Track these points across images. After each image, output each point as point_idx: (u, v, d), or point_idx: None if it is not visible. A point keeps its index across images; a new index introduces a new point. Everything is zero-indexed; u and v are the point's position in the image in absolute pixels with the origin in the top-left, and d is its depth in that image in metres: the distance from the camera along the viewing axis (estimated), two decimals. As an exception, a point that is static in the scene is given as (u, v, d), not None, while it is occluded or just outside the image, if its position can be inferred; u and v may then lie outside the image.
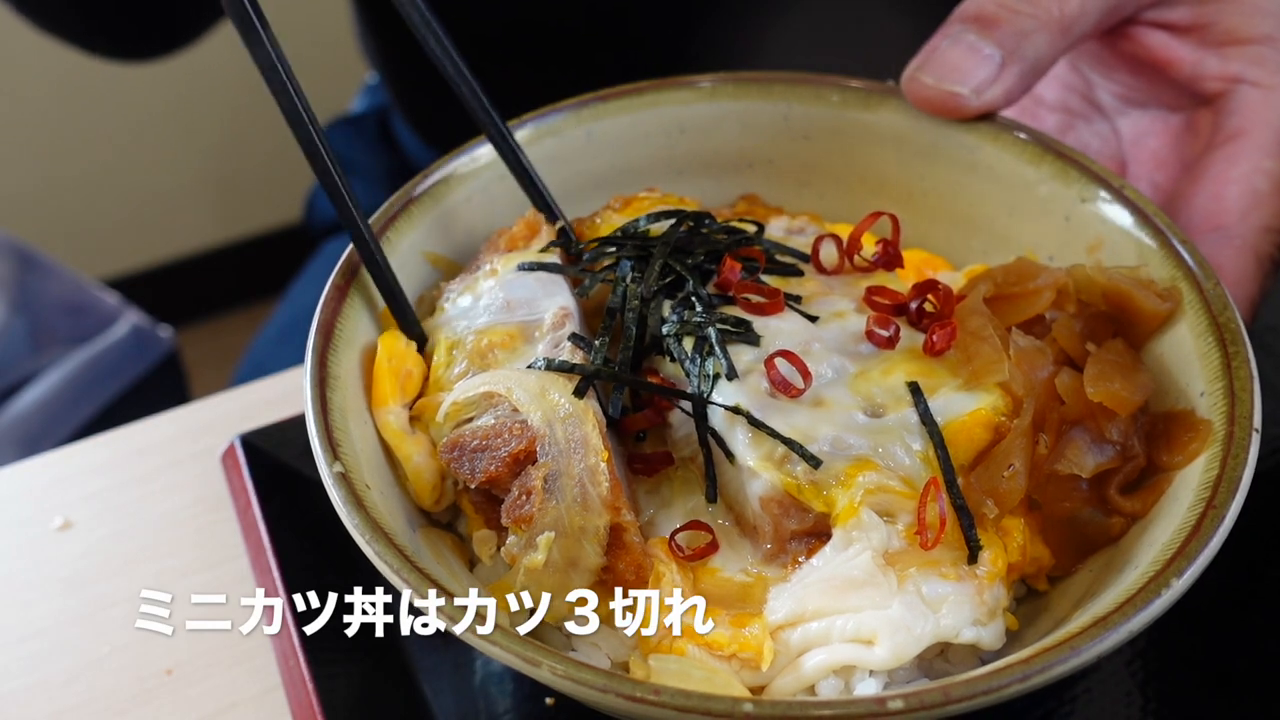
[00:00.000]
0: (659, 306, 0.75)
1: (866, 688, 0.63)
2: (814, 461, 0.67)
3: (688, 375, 0.72)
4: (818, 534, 0.67)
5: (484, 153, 0.85)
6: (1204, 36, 0.86)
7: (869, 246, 0.82)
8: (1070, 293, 0.78)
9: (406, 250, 0.80)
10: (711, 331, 0.72)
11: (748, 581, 0.67)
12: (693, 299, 0.74)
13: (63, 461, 0.96)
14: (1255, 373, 0.69)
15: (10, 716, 0.80)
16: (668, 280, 0.75)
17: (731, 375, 0.70)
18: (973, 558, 0.67)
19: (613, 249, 0.78)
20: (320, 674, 0.75)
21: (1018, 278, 0.78)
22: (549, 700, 0.76)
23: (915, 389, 0.70)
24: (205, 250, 2.79)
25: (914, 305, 0.76)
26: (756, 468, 0.67)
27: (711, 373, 0.71)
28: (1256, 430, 0.67)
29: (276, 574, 0.80)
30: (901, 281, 0.80)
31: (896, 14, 1.20)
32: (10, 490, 0.94)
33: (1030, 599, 0.74)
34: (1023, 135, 0.86)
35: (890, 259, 0.80)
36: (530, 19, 1.27)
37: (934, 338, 0.73)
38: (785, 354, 0.70)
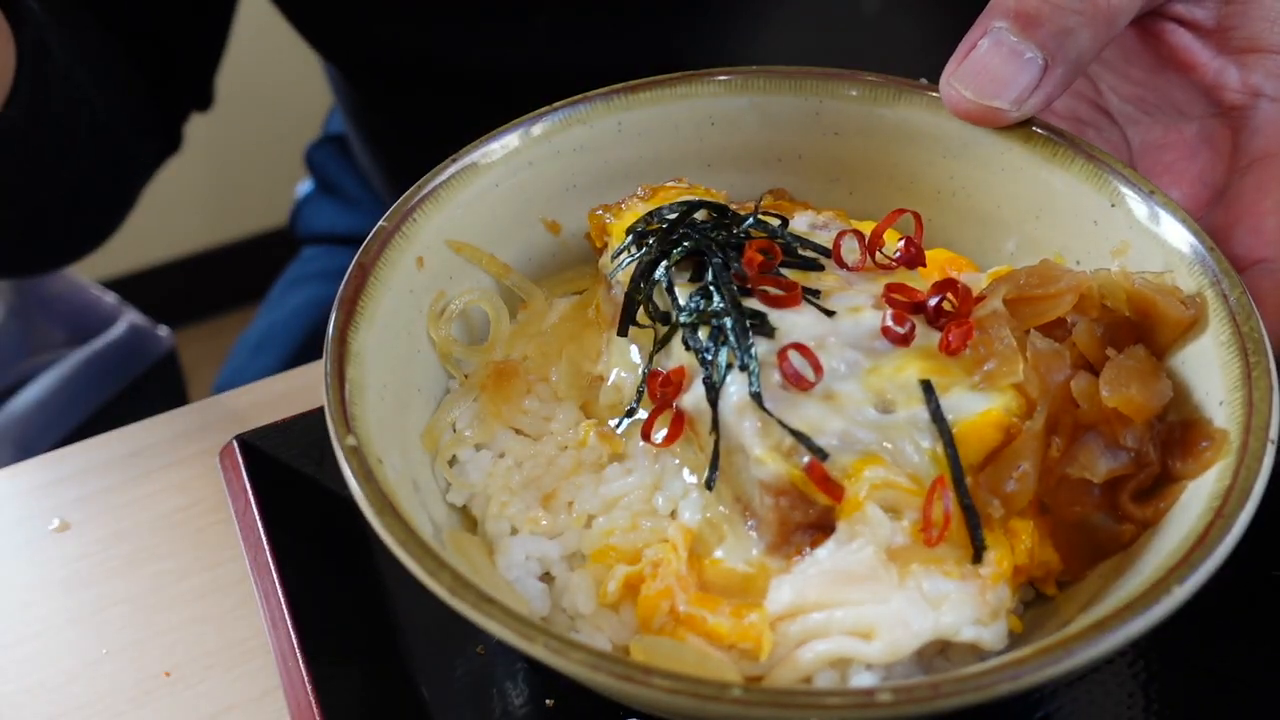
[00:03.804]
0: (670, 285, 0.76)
1: (862, 681, 0.63)
2: (821, 454, 0.67)
3: (702, 364, 0.72)
4: (822, 527, 0.68)
5: (507, 142, 0.86)
6: (1225, 41, 0.84)
7: (892, 244, 0.82)
8: (1094, 297, 0.77)
9: (431, 237, 0.82)
10: (727, 321, 0.72)
11: (750, 572, 0.67)
12: (710, 288, 0.74)
13: (60, 462, 0.95)
14: (1276, 384, 0.68)
15: (9, 718, 0.80)
16: (676, 257, 0.76)
17: (744, 365, 0.70)
18: (977, 557, 0.67)
19: (637, 235, 0.79)
20: (319, 675, 0.75)
21: (1040, 280, 0.77)
22: (549, 702, 0.75)
23: (927, 386, 0.70)
24: (204, 251, 2.78)
25: (932, 303, 0.75)
26: (764, 457, 0.67)
27: (724, 362, 0.71)
28: (1273, 441, 0.66)
29: (275, 575, 0.80)
30: (924, 280, 0.80)
31: (891, 8, 1.19)
32: (7, 491, 0.94)
33: (1038, 603, 0.73)
34: (1054, 136, 0.85)
35: (912, 257, 0.80)
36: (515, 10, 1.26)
37: (950, 337, 0.73)
38: (798, 347, 0.70)
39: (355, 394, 0.70)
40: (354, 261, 0.77)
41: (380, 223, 0.79)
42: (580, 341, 0.83)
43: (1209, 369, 0.73)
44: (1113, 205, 0.82)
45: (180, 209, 2.73)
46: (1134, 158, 0.91)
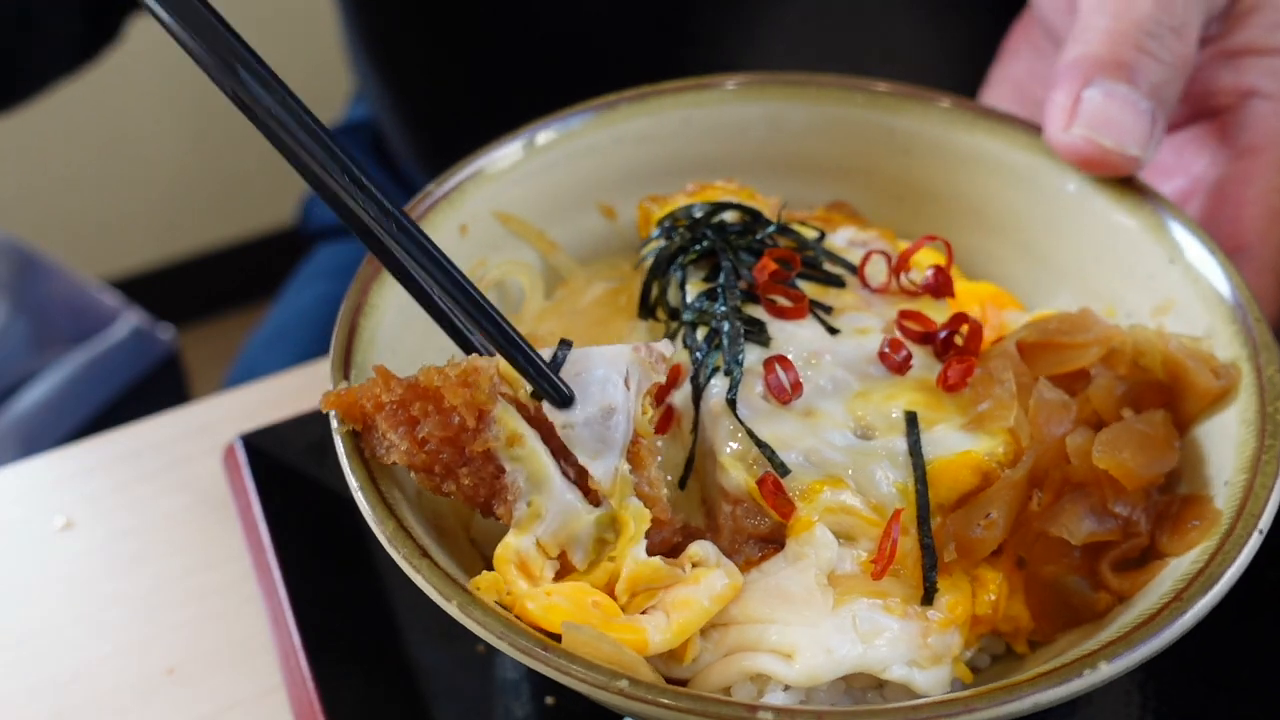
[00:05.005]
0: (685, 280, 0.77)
1: (775, 699, 0.63)
2: (782, 470, 0.67)
3: (694, 364, 0.73)
4: (774, 541, 0.67)
5: (568, 124, 0.87)
6: (1220, 47, 0.83)
7: (923, 269, 0.80)
8: (1125, 353, 0.73)
9: (479, 208, 0.84)
10: (725, 325, 0.73)
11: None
12: (718, 290, 0.75)
13: (64, 461, 0.95)
14: (1286, 471, 0.64)
15: (11, 716, 0.80)
16: (692, 255, 0.77)
17: (730, 371, 0.71)
18: (927, 599, 0.65)
19: (664, 229, 0.80)
20: (321, 674, 0.76)
21: (1069, 327, 0.74)
22: (549, 700, 0.76)
23: (911, 418, 0.69)
24: (206, 250, 2.77)
25: (942, 336, 0.73)
26: (727, 464, 0.68)
27: (713, 364, 0.72)
28: (1261, 532, 0.61)
29: (277, 574, 0.80)
30: (949, 310, 0.78)
31: (891, 13, 1.15)
32: (11, 490, 0.93)
33: (1009, 659, 0.71)
34: (1125, 181, 0.81)
35: (939, 285, 0.78)
36: (519, 26, 1.25)
37: (949, 372, 0.71)
38: (781, 360, 0.70)
39: (364, 344, 0.74)
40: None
41: (429, 186, 0.83)
42: (607, 326, 0.85)
43: (1226, 445, 0.68)
44: (1171, 261, 0.78)
45: (184, 207, 2.72)
46: None
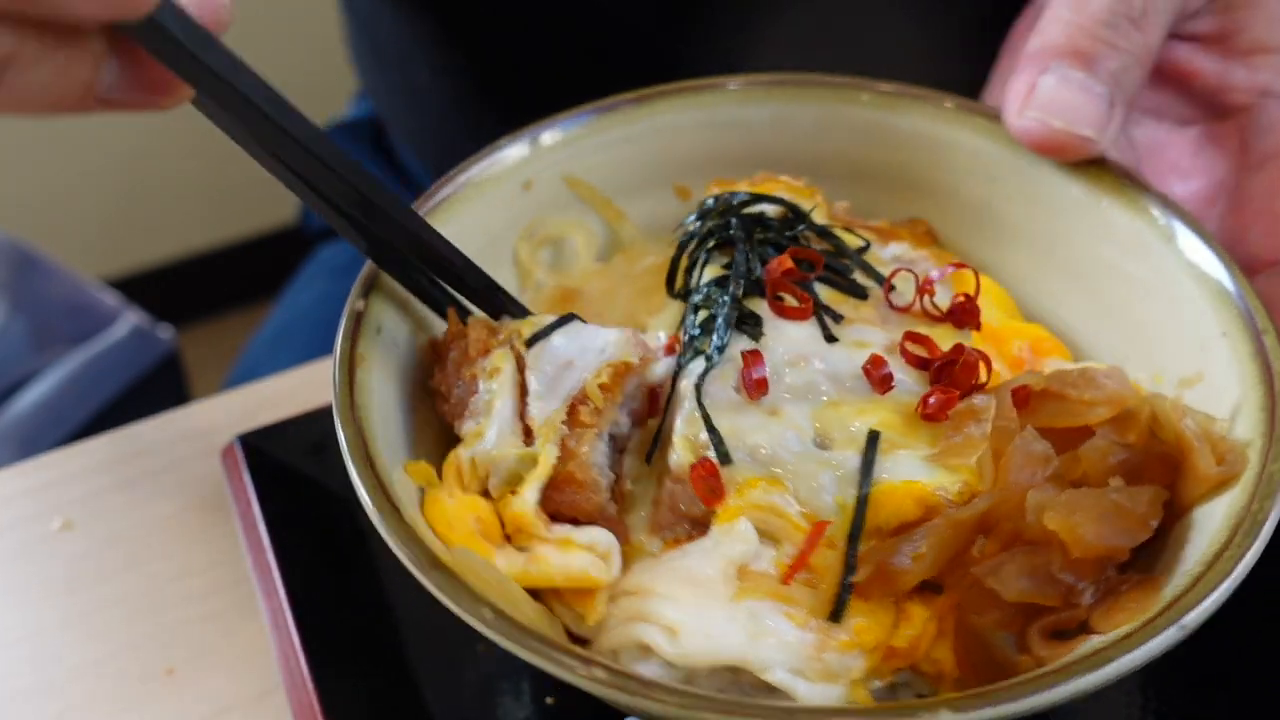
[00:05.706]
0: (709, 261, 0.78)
1: (649, 671, 0.63)
2: (724, 458, 0.67)
3: (683, 342, 0.74)
4: (704, 525, 0.68)
5: (654, 103, 0.89)
6: (1229, 46, 0.80)
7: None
8: (1139, 420, 0.69)
9: (548, 167, 0.86)
10: (720, 314, 0.73)
11: (625, 547, 0.69)
12: (728, 279, 0.76)
13: (63, 462, 0.94)
14: (1239, 571, 0.58)
15: (11, 716, 0.80)
16: (714, 240, 0.78)
17: (710, 357, 0.71)
18: (835, 616, 0.64)
19: (701, 211, 0.82)
20: (321, 674, 0.76)
21: (1083, 383, 0.70)
22: (549, 700, 0.77)
23: (872, 437, 0.67)
24: (206, 250, 2.69)
25: (938, 364, 0.71)
26: (677, 444, 0.69)
27: (698, 348, 0.73)
28: (1183, 627, 0.56)
29: (277, 574, 0.81)
30: (972, 342, 0.75)
31: (895, 15, 1.07)
32: (10, 490, 0.93)
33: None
34: (1208, 244, 0.75)
35: (962, 315, 0.75)
36: (525, 22, 1.23)
37: (929, 400, 0.69)
38: (755, 356, 0.70)
39: (369, 331, 0.72)
40: (458, 168, 0.85)
41: (501, 140, 0.87)
42: (650, 297, 0.86)
43: (1204, 537, 0.63)
44: (1223, 334, 0.72)
45: (184, 207, 2.68)
46: (1139, 158, 0.85)
